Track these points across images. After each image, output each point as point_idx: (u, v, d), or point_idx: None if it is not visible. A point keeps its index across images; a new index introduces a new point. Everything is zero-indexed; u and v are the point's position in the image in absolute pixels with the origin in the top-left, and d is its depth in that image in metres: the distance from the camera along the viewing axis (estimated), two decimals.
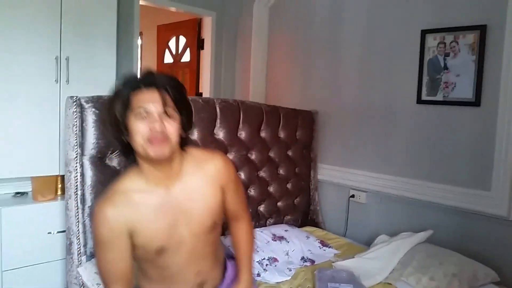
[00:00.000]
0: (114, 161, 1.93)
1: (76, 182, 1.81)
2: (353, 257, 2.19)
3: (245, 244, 1.48)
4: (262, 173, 2.65)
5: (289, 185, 2.85)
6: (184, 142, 1.25)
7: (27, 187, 2.54)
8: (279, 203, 2.78)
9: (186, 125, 1.21)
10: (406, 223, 2.53)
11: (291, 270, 2.11)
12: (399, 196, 2.58)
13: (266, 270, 2.07)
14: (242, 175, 2.50)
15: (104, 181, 1.88)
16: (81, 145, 1.83)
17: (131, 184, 1.23)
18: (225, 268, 1.50)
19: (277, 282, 1.99)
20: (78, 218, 1.81)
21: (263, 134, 2.62)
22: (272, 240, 2.31)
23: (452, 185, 2.34)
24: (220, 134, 2.36)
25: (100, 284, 1.67)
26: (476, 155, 2.26)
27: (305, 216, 2.99)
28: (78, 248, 1.80)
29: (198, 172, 1.28)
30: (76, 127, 1.81)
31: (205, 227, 1.29)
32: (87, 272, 1.74)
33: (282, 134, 2.75)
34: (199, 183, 1.27)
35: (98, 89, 1.99)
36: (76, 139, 1.81)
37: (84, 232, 1.83)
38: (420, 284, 1.91)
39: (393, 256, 2.10)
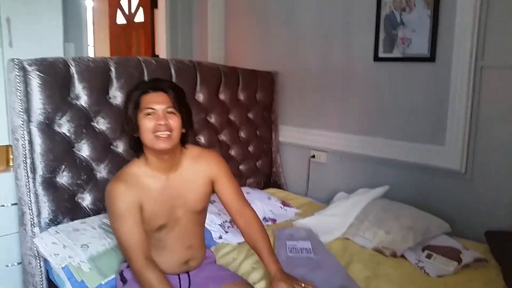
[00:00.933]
0: (63, 127, 1.85)
1: (24, 150, 1.73)
2: (313, 215, 2.24)
3: (261, 235, 1.54)
4: (222, 137, 2.62)
5: (250, 148, 2.85)
6: (185, 139, 1.48)
7: None
8: (241, 166, 2.78)
9: (186, 123, 1.44)
10: (365, 180, 2.59)
11: None
12: (358, 154, 2.62)
13: (228, 232, 2.08)
14: (202, 139, 2.46)
15: (54, 148, 1.81)
16: (27, 111, 1.73)
17: (139, 169, 1.45)
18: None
19: (239, 243, 2.01)
20: (29, 188, 1.74)
21: (222, 96, 2.58)
22: None
23: (409, 141, 2.40)
24: None
25: (58, 254, 1.64)
26: (431, 111, 2.31)
27: (268, 179, 3.01)
28: (31, 218, 1.74)
29: (193, 166, 1.51)
30: (20, 92, 1.70)
31: (195, 210, 1.52)
32: (43, 242, 1.69)
33: (241, 96, 2.72)
34: (193, 175, 1.50)
35: (45, 52, 1.88)
36: (21, 105, 1.71)
37: (37, 202, 1.77)
38: (377, 238, 1.97)
39: (351, 212, 2.16)
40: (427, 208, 2.23)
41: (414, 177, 2.41)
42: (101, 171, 2.00)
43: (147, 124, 1.36)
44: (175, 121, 1.38)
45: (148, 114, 1.36)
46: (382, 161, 2.52)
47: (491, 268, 1.80)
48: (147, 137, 1.37)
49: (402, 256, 1.90)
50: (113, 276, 1.63)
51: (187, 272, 1.55)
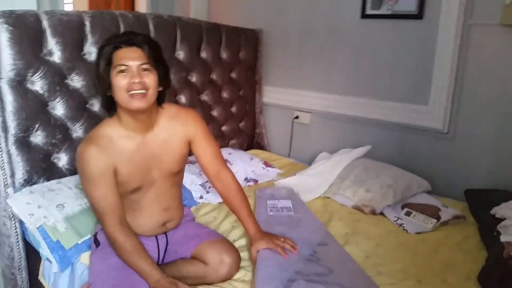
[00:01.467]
0: (36, 84, 1.77)
1: None
2: (294, 175, 2.23)
3: (239, 198, 1.52)
4: (204, 97, 2.57)
5: (233, 109, 2.80)
6: (161, 98, 1.40)
7: None
8: (223, 128, 2.74)
9: (162, 81, 1.34)
10: (348, 141, 2.57)
11: None
12: (341, 115, 2.60)
13: (209, 192, 2.07)
14: (183, 99, 2.41)
15: (26, 107, 1.74)
16: None
17: (111, 130, 1.36)
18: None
19: (219, 203, 2.00)
20: (1, 147, 1.68)
21: (203, 54, 2.50)
22: None
23: (393, 101, 2.37)
24: None
25: (32, 215, 1.61)
26: (416, 70, 2.27)
27: (251, 140, 2.99)
28: (4, 179, 1.69)
29: (169, 126, 1.43)
30: None
31: (172, 172, 1.46)
32: (17, 203, 1.65)
33: (224, 55, 2.64)
34: (169, 135, 1.43)
35: (15, 4, 1.78)
36: None
37: (10, 162, 1.71)
38: (357, 196, 1.98)
39: (332, 171, 2.16)
40: (409, 167, 2.23)
41: (397, 137, 2.40)
42: (77, 131, 1.94)
43: (120, 82, 1.26)
44: (150, 79, 1.28)
45: (121, 71, 1.26)
46: (366, 121, 2.50)
47: (469, 225, 1.83)
48: (120, 96, 1.27)
49: (382, 214, 1.92)
50: (90, 236, 1.62)
51: (165, 233, 1.54)
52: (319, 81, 2.68)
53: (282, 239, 1.46)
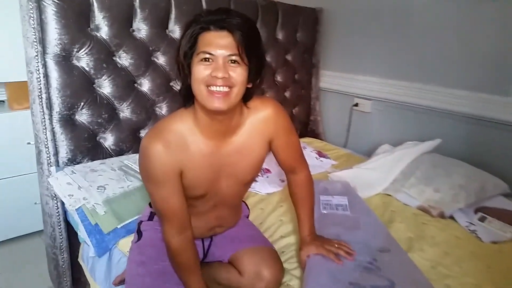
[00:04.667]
0: (82, 60, 1.70)
1: (40, 84, 1.60)
2: (351, 168, 2.03)
3: (304, 199, 1.37)
4: None
5: (287, 93, 2.63)
6: (248, 95, 1.11)
7: (2, 95, 2.35)
8: None
9: (253, 76, 1.06)
10: (413, 133, 2.33)
11: (283, 181, 1.97)
12: (406, 103, 2.35)
13: (257, 181, 1.93)
14: None
15: (72, 83, 1.68)
16: (42, 42, 1.59)
17: (184, 126, 1.12)
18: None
19: (268, 193, 1.86)
20: (45, 124, 1.63)
21: None
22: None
23: (467, 89, 2.09)
24: None
25: (72, 195, 1.55)
26: (496, 56, 1.97)
27: (305, 127, 2.81)
28: (47, 157, 1.65)
29: (248, 126, 1.17)
30: (33, 20, 1.55)
31: (244, 182, 1.26)
32: (57, 182, 1.60)
33: (280, 35, 2.47)
34: (248, 138, 1.18)
35: None
36: (34, 35, 1.56)
37: (54, 140, 1.67)
38: (423, 196, 1.75)
39: (395, 166, 1.94)
40: (483, 165, 1.96)
41: (470, 130, 2.12)
42: (124, 111, 1.87)
43: (200, 73, 0.99)
44: (238, 74, 1.00)
45: (205, 59, 0.99)
46: (433, 111, 2.23)
47: None
48: (198, 89, 1.01)
49: (451, 217, 1.68)
50: (130, 220, 1.53)
51: (212, 236, 1.38)
52: (382, 65, 2.44)
53: (337, 245, 1.29)
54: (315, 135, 2.78)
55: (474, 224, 1.61)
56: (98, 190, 1.58)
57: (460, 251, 1.46)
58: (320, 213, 1.60)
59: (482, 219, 1.62)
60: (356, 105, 2.60)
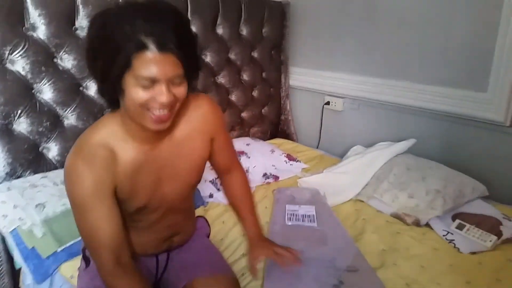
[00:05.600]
0: (17, 64, 1.52)
1: None
2: (321, 172, 1.90)
3: (245, 198, 1.30)
4: (220, 79, 2.26)
5: (255, 93, 2.48)
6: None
7: None
8: (243, 114, 2.43)
9: (191, 76, 0.92)
10: (387, 132, 2.22)
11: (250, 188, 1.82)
12: (379, 101, 2.23)
13: (220, 190, 1.77)
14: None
15: (6, 90, 1.52)
16: None
17: (111, 135, 0.97)
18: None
19: None
20: None
21: (219, 30, 2.18)
22: None
23: (442, 86, 1.97)
24: None
25: (6, 216, 1.38)
26: (472, 50, 1.85)
27: (275, 128, 2.67)
28: None
29: (186, 124, 1.06)
30: None
31: (190, 185, 1.15)
32: None
33: (244, 31, 2.31)
34: (187, 137, 1.06)
35: None
36: None
37: None
38: (397, 203, 1.63)
39: (367, 170, 1.82)
40: (460, 166, 1.86)
41: (447, 129, 2.01)
42: (69, 117, 1.69)
43: (138, 97, 0.84)
44: (182, 90, 0.88)
45: (145, 86, 0.84)
46: (407, 109, 2.12)
47: None
48: (134, 110, 0.88)
49: (427, 225, 1.56)
50: (72, 242, 1.37)
51: (168, 252, 1.23)
52: (354, 61, 2.31)
53: (283, 251, 1.19)
54: (286, 135, 2.64)
55: (452, 233, 1.49)
56: (36, 208, 1.40)
57: (437, 265, 1.34)
58: (285, 225, 1.47)
59: (460, 227, 1.50)
60: (328, 103, 2.47)
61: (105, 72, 0.85)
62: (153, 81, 0.83)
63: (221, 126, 1.15)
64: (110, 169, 0.94)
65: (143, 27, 0.79)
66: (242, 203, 1.28)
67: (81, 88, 1.71)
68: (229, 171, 1.27)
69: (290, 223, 1.47)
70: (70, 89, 1.67)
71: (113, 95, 0.90)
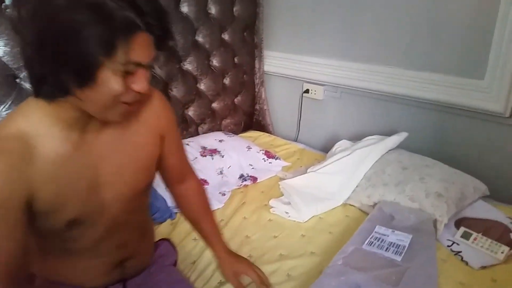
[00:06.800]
0: None
1: None
2: (305, 172, 1.68)
3: (206, 211, 1.13)
4: (187, 65, 1.98)
5: (226, 80, 2.22)
6: None
7: None
8: (214, 104, 2.17)
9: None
10: (373, 123, 2.03)
11: (224, 195, 1.59)
12: (365, 88, 2.02)
13: None
14: (157, 69, 1.82)
15: None
16: None
17: (30, 125, 0.75)
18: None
19: None
20: None
21: (185, 8, 1.89)
22: (201, 155, 1.74)
23: (435, 72, 1.79)
24: None
25: None
26: (469, 32, 1.67)
27: (249, 119, 2.43)
28: None
29: (132, 117, 0.89)
30: None
31: (137, 190, 0.93)
32: None
33: (213, 10, 2.03)
34: (133, 131, 0.89)
35: None
36: None
37: None
38: None
39: (357, 169, 1.62)
40: (456, 161, 1.70)
41: (439, 120, 1.84)
42: (3, 117, 1.38)
43: (117, 86, 0.70)
44: (150, 78, 0.77)
45: (128, 72, 0.70)
46: (396, 98, 1.92)
47: None
48: (103, 103, 0.72)
49: None
50: None
51: (123, 281, 1.00)
52: (336, 45, 2.09)
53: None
54: (261, 127, 2.41)
55: (457, 243, 1.31)
56: None
57: (447, 284, 1.15)
58: (359, 248, 1.21)
59: (466, 236, 1.33)
60: (307, 91, 2.25)
61: (64, 61, 0.66)
62: (136, 67, 0.71)
63: (173, 124, 1.01)
64: (24, 170, 0.73)
65: (127, 3, 0.65)
66: (203, 218, 1.11)
67: (17, 80, 1.40)
68: (183, 179, 1.10)
69: (367, 248, 1.21)
70: (3, 82, 1.36)
71: (62, 88, 0.70)
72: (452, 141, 1.81)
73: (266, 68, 2.40)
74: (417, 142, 1.82)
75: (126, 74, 0.70)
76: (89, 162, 0.82)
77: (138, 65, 0.70)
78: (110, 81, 0.69)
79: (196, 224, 1.13)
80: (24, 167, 0.73)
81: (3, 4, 1.33)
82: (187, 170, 1.12)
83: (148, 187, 0.99)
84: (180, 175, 1.09)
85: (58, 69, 0.68)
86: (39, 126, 0.75)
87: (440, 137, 1.83)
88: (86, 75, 0.68)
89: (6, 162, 0.71)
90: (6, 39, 1.34)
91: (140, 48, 0.69)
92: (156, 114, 0.93)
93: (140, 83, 0.72)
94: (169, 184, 1.11)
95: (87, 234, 0.88)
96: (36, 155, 0.74)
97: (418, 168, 1.56)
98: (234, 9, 2.15)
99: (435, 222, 1.36)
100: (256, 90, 2.40)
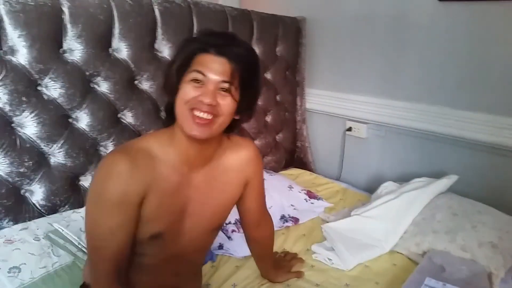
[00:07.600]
0: None
1: None
2: (349, 215, 1.63)
3: (270, 250, 1.37)
4: None
5: (268, 118, 2.23)
6: (234, 127, 1.01)
7: None
8: (255, 142, 2.18)
9: (243, 109, 0.96)
10: (420, 164, 1.96)
11: None
12: (410, 128, 1.97)
13: (231, 239, 1.52)
14: None
15: None
16: None
17: (157, 145, 0.97)
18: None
19: (245, 256, 1.44)
20: None
21: None
22: None
23: (483, 112, 1.73)
24: (164, 50, 1.68)
25: None
26: None
27: (291, 156, 2.41)
28: None
29: (226, 160, 1.07)
30: None
31: (211, 226, 1.10)
32: None
33: (256, 50, 2.06)
34: (222, 173, 1.06)
35: None
36: None
37: None
38: None
39: (405, 214, 1.55)
40: (510, 208, 1.60)
41: (492, 163, 1.76)
42: (55, 154, 1.45)
43: (187, 93, 0.89)
44: (227, 104, 0.90)
45: (195, 80, 0.89)
46: (443, 138, 1.86)
47: None
48: (181, 110, 0.90)
49: None
50: None
51: None
52: (379, 83, 2.07)
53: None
54: (303, 164, 2.39)
55: None
56: (9, 274, 1.15)
57: None
58: None
59: None
60: (350, 129, 2.22)
61: (170, 70, 0.93)
62: (203, 79, 0.88)
63: (259, 172, 1.16)
64: (148, 177, 0.91)
65: (212, 39, 0.91)
66: (268, 259, 1.34)
67: (70, 120, 1.47)
68: (259, 224, 1.24)
69: None
70: (56, 121, 1.43)
71: (172, 106, 0.92)
72: (505, 185, 1.72)
73: (308, 105, 2.40)
74: (468, 185, 1.74)
75: (196, 87, 0.88)
76: (186, 192, 0.99)
77: (204, 75, 0.87)
78: (183, 88, 0.89)
79: (258, 261, 1.35)
80: (146, 173, 0.91)
81: (61, 49, 1.42)
82: (264, 216, 1.26)
83: (220, 226, 1.14)
84: (257, 220, 1.22)
85: (166, 87, 0.94)
86: (163, 151, 0.95)
87: (492, 180, 1.74)
88: (175, 85, 0.91)
89: (131, 161, 0.89)
90: (62, 82, 1.42)
91: (205, 62, 0.88)
92: (246, 162, 1.09)
93: (203, 96, 0.87)
94: (246, 228, 1.26)
95: (159, 252, 1.01)
96: (157, 170, 0.93)
97: (469, 215, 1.48)
98: (277, 49, 2.18)
99: (490, 275, 1.28)
100: (298, 127, 2.40)
